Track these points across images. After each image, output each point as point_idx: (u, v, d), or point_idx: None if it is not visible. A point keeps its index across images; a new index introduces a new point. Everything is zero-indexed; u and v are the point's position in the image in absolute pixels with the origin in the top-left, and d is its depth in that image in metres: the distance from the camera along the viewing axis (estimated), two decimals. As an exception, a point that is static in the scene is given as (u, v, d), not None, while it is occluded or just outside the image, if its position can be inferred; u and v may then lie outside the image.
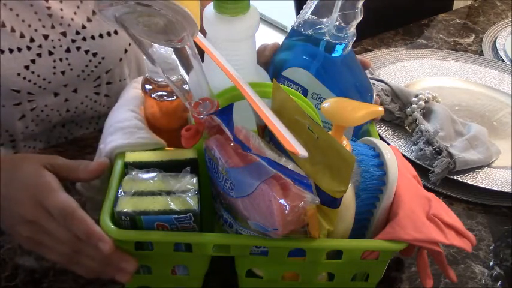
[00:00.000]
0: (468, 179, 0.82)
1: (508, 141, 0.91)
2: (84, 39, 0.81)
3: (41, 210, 0.56)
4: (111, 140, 0.63)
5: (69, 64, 0.81)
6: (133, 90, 0.70)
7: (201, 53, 0.61)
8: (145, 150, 0.62)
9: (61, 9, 0.78)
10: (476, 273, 0.69)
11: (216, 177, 0.57)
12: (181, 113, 0.66)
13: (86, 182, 0.63)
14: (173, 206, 0.55)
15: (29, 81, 0.78)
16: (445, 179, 0.81)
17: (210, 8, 0.66)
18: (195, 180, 0.58)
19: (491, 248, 0.73)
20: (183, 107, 0.64)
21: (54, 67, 0.80)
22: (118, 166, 0.60)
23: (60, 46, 0.79)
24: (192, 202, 0.55)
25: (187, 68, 0.59)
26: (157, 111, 0.65)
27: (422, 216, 0.59)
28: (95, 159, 0.66)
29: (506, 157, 0.87)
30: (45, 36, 0.77)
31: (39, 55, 0.78)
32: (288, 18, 2.72)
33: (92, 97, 0.87)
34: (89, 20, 0.80)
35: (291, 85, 0.72)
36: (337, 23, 0.68)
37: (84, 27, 0.80)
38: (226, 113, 0.56)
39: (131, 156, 0.60)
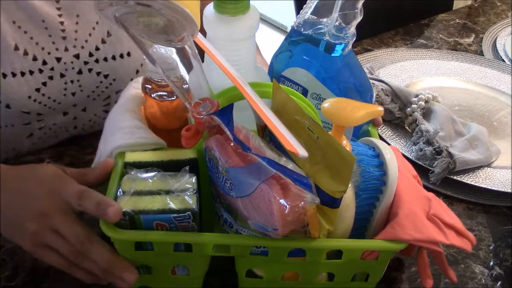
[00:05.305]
0: (468, 179, 0.82)
1: (508, 141, 0.91)
2: (96, 61, 0.80)
3: (56, 203, 0.57)
4: (111, 140, 0.63)
5: (80, 86, 0.80)
6: (133, 90, 0.70)
7: (201, 53, 0.61)
8: (145, 150, 0.62)
9: (75, 31, 0.77)
10: (476, 273, 0.69)
11: (216, 177, 0.57)
12: (181, 113, 0.66)
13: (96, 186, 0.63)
14: (172, 205, 0.55)
15: (39, 103, 0.77)
16: (445, 179, 0.81)
17: (210, 8, 0.66)
18: (193, 179, 0.58)
19: (491, 248, 0.73)
20: (183, 107, 0.64)
21: (65, 89, 0.79)
22: (118, 166, 0.60)
23: (73, 68, 0.78)
24: (191, 201, 0.55)
25: (188, 68, 0.59)
26: (157, 111, 0.65)
27: (422, 216, 0.59)
28: (95, 159, 0.66)
29: (506, 157, 0.87)
30: (58, 59, 0.76)
31: (50, 78, 0.77)
32: (288, 18, 2.72)
33: (101, 115, 0.87)
34: (103, 41, 0.79)
35: (291, 85, 0.72)
36: (337, 23, 0.67)
37: (97, 48, 0.79)
38: (226, 113, 0.56)
39: (131, 156, 0.61)
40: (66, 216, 0.56)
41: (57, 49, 0.76)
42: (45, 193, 0.57)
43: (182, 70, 0.60)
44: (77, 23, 0.76)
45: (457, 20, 1.30)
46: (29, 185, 0.59)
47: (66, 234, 0.56)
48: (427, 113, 0.90)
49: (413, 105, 0.89)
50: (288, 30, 0.75)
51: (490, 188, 0.80)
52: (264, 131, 0.61)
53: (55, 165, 0.61)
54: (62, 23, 0.75)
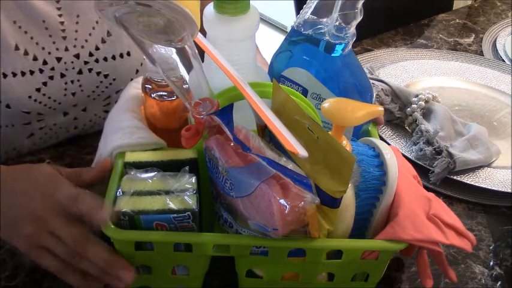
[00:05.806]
0: (468, 179, 0.82)
1: (508, 141, 0.91)
2: (96, 60, 0.80)
3: (50, 205, 0.56)
4: (111, 140, 0.63)
5: (80, 85, 0.80)
6: (133, 90, 0.70)
7: (201, 53, 0.61)
8: (145, 150, 0.62)
9: (76, 31, 0.77)
10: (476, 273, 0.69)
11: (216, 177, 0.57)
12: (181, 113, 0.66)
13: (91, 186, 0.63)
14: (172, 205, 0.55)
15: (40, 103, 0.77)
16: (445, 179, 0.81)
17: (210, 8, 0.66)
18: (193, 179, 0.58)
19: (491, 248, 0.73)
20: (183, 107, 0.64)
21: (66, 89, 0.79)
22: (118, 166, 0.60)
23: (73, 68, 0.78)
24: (191, 201, 0.55)
25: (188, 68, 0.59)
26: (157, 111, 0.65)
27: (422, 216, 0.59)
28: (95, 158, 0.66)
29: (506, 157, 0.87)
30: (58, 59, 0.77)
31: (51, 77, 0.77)
32: (288, 18, 2.72)
33: (101, 115, 0.87)
34: (103, 41, 0.79)
35: (291, 85, 0.72)
36: (337, 23, 0.68)
37: (97, 48, 0.79)
38: (226, 113, 0.56)
39: (131, 156, 0.61)
40: (61, 217, 0.56)
41: (57, 49, 0.76)
42: (39, 195, 0.57)
43: (182, 70, 0.60)
44: (77, 22, 0.77)
45: (457, 20, 1.30)
46: (24, 185, 0.59)
47: (62, 235, 0.56)
48: (427, 113, 0.90)
49: (413, 105, 0.90)
50: (288, 30, 0.75)
51: (490, 188, 0.80)
52: (264, 131, 0.61)
53: (51, 165, 0.61)
54: (62, 23, 0.75)
